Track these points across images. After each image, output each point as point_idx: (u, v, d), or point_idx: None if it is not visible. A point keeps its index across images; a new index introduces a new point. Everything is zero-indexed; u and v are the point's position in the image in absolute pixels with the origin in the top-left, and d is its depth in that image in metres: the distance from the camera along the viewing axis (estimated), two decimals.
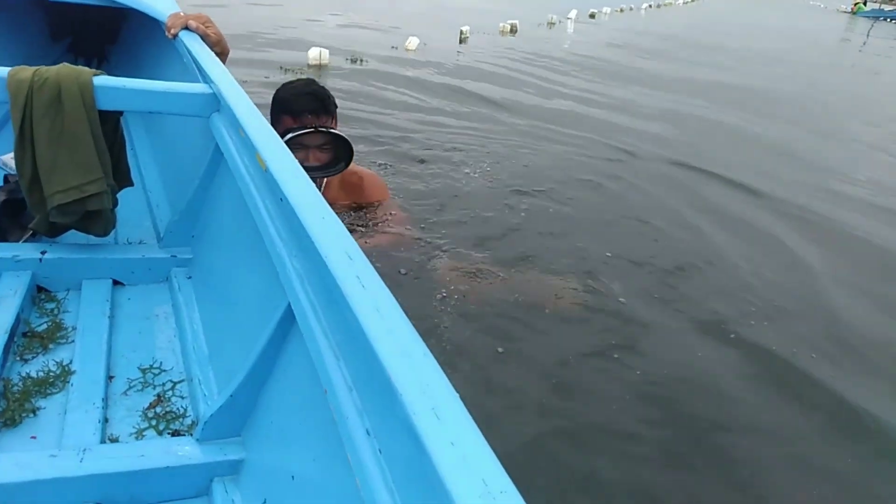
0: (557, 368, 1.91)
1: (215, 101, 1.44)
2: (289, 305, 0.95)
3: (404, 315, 0.73)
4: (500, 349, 1.94)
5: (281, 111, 2.02)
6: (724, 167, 4.22)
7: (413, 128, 4.15)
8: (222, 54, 1.81)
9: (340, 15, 9.20)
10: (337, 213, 0.97)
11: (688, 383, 1.98)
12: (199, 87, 1.46)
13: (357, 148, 3.42)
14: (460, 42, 8.46)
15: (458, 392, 0.63)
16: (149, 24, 2.09)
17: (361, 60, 6.05)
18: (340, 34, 7.63)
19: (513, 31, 10.40)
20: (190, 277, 1.50)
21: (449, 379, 0.65)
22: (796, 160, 4.90)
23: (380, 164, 3.28)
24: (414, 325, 0.72)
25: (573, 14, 14.15)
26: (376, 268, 0.83)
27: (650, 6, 22.88)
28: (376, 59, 6.26)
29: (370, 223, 2.33)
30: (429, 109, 4.79)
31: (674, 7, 26.42)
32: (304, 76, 4.76)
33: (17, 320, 1.26)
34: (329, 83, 4.94)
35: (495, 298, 2.16)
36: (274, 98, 2.08)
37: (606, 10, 17.08)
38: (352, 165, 2.14)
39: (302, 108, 2.01)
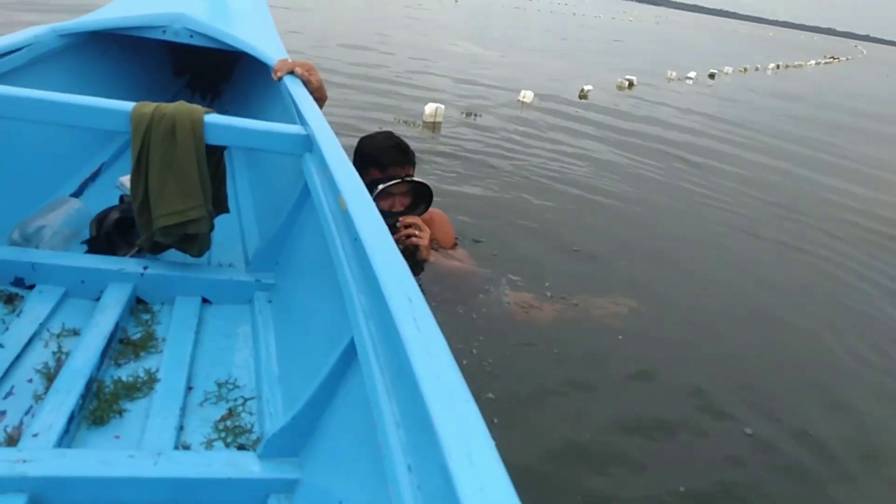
0: (607, 431, 1.91)
1: (308, 142, 1.56)
2: (352, 339, 1.01)
3: (453, 359, 0.77)
4: (541, 392, 1.97)
5: (369, 164, 2.20)
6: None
7: (514, 182, 4.24)
8: (321, 100, 1.96)
9: (461, 70, 9.48)
10: None
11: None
12: (294, 129, 1.59)
13: (460, 192, 3.61)
14: (580, 98, 8.50)
15: (494, 438, 0.66)
16: (259, 67, 2.28)
17: (476, 115, 6.21)
18: (459, 87, 7.86)
19: (630, 86, 10.40)
20: (270, 301, 1.61)
21: (488, 423, 0.68)
22: None
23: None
24: (464, 363, 0.77)
25: (693, 74, 13.97)
26: (437, 300, 0.89)
27: (777, 66, 22.16)
28: (491, 114, 6.39)
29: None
30: (538, 161, 4.86)
31: (804, 69, 25.45)
32: (418, 128, 5.04)
33: (116, 327, 1.40)
34: (443, 137, 5.15)
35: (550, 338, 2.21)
36: (358, 151, 2.25)
37: (728, 69, 16.71)
38: None
39: (389, 161, 2.19)
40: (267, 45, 2.32)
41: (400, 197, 2.21)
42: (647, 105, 8.97)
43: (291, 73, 1.97)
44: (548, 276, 2.64)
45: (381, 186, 2.10)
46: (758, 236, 4.14)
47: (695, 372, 2.37)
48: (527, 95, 7.37)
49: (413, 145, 2.28)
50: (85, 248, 1.63)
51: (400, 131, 4.83)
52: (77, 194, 2.01)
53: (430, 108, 5.55)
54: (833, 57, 40.59)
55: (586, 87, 8.84)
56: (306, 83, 1.94)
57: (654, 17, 75.44)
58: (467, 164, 4.42)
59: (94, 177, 2.18)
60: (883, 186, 7.03)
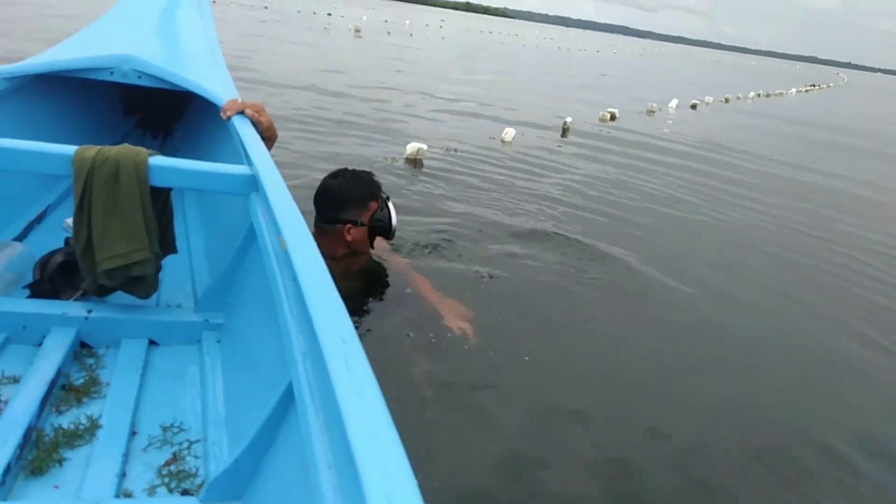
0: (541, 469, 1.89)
1: (254, 183, 1.57)
2: (291, 380, 1.02)
3: (382, 399, 0.79)
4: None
5: (369, 200, 2.48)
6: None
7: (489, 215, 4.26)
8: (270, 139, 2.02)
9: (445, 107, 9.58)
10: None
11: None
12: (240, 169, 1.61)
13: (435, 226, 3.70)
14: (562, 135, 8.58)
15: (417, 478, 0.67)
16: (209, 107, 2.30)
17: (457, 152, 6.28)
18: (441, 125, 7.97)
19: (613, 119, 10.54)
20: (219, 341, 1.61)
21: (413, 462, 0.69)
22: None
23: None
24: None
25: (674, 103, 14.16)
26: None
27: (758, 95, 22.53)
28: (472, 151, 6.44)
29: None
30: (514, 196, 4.89)
31: (785, 97, 25.88)
32: (400, 165, 5.09)
33: (58, 373, 1.39)
34: (423, 175, 5.19)
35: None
36: (350, 193, 2.47)
37: (709, 99, 16.97)
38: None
39: (379, 189, 2.52)
40: (217, 84, 2.36)
41: None
42: (628, 136, 9.14)
43: (241, 113, 2.00)
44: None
45: (391, 204, 2.51)
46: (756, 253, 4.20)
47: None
48: (508, 132, 7.44)
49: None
50: (27, 292, 1.62)
51: (382, 169, 4.92)
52: (21, 237, 2.01)
53: (411, 147, 5.63)
54: (813, 85, 41.41)
55: (568, 121, 8.93)
56: (256, 124, 1.97)
57: (638, 49, 76.94)
58: (445, 199, 4.48)
59: (39, 219, 2.18)
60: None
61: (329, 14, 35.12)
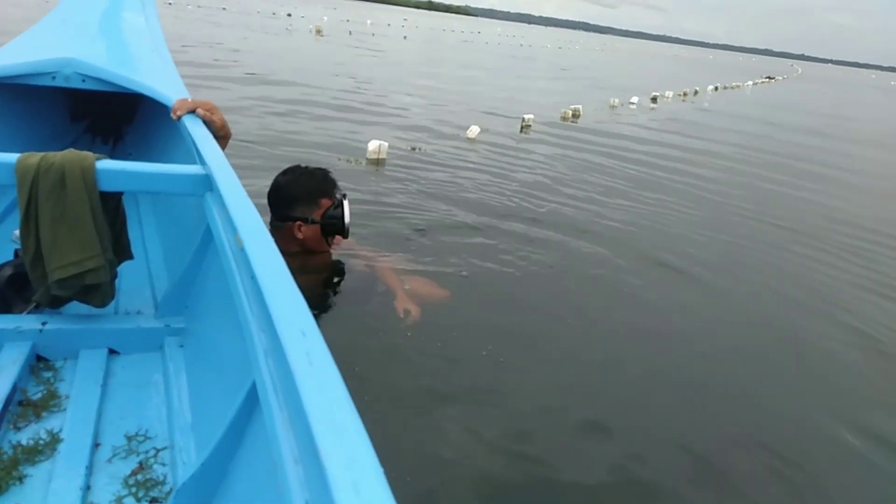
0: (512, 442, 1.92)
1: (208, 182, 1.54)
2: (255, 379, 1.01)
3: (346, 390, 0.78)
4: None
5: (320, 196, 2.44)
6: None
7: (454, 214, 4.24)
8: (224, 138, 1.98)
9: (408, 106, 9.56)
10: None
11: None
12: (193, 169, 1.58)
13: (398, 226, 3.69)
14: (521, 130, 8.63)
15: (383, 465, 0.67)
16: (160, 108, 2.25)
17: (420, 150, 6.25)
18: (404, 123, 7.93)
19: (575, 115, 10.61)
20: (182, 346, 1.59)
21: (380, 452, 0.68)
22: None
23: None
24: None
25: (635, 99, 14.34)
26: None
27: (716, 88, 22.94)
28: (436, 149, 6.41)
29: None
30: (478, 194, 4.88)
31: (742, 90, 26.41)
32: (362, 166, 5.06)
33: (14, 389, 1.36)
34: (387, 173, 5.15)
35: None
36: (301, 191, 2.45)
37: (669, 93, 17.25)
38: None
39: (333, 188, 2.48)
40: (166, 85, 2.30)
41: None
42: (591, 132, 9.21)
43: (192, 112, 1.97)
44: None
45: (346, 203, 2.45)
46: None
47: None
48: (473, 130, 7.43)
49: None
50: None
51: (343, 168, 4.88)
52: None
53: (373, 144, 5.57)
54: (769, 77, 42.32)
55: (527, 118, 8.96)
56: (208, 123, 1.93)
57: (599, 45, 77.54)
58: (408, 198, 4.44)
59: None
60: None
61: (289, 15, 34.66)
